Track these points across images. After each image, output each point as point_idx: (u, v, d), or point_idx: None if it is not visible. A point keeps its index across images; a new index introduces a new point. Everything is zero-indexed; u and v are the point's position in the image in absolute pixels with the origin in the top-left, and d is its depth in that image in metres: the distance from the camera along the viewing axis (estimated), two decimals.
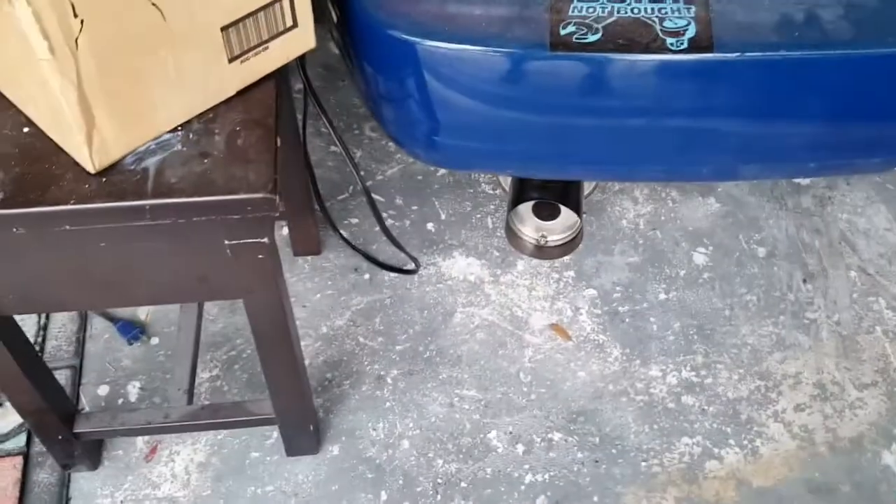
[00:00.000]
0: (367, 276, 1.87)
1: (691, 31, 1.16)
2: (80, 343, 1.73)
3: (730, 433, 1.65)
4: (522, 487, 1.58)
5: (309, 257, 1.88)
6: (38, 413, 1.39)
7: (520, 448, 1.63)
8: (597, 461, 1.61)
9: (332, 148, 2.06)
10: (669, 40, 1.15)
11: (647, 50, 1.15)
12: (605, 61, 1.17)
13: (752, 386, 1.71)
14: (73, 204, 0.96)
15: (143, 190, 0.98)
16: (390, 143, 2.08)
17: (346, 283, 1.85)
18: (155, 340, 1.74)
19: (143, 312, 1.78)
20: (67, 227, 0.99)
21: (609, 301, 1.83)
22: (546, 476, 1.59)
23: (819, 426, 1.67)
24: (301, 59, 1.41)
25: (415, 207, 1.98)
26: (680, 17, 1.16)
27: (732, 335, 1.78)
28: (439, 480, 1.59)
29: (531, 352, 1.76)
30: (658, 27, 1.16)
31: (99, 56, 0.90)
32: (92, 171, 0.99)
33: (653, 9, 1.17)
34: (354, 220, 1.96)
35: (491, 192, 2.01)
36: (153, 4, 0.91)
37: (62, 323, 1.75)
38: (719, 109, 1.23)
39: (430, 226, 1.95)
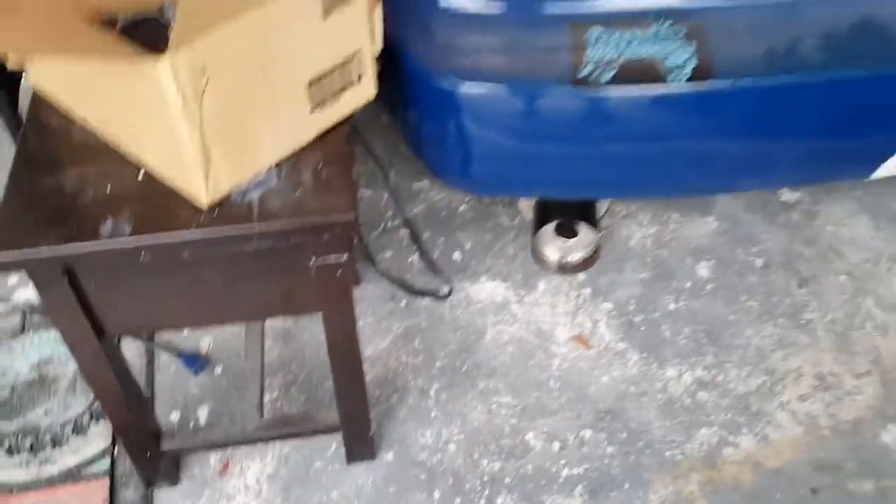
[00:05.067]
0: (403, 303, 2.06)
1: (692, 64, 1.37)
2: (150, 375, 1.90)
3: (742, 423, 1.83)
4: (561, 480, 1.75)
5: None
6: (132, 430, 1.56)
7: (555, 446, 1.81)
8: (626, 453, 1.79)
9: (363, 191, 2.27)
10: (673, 74, 1.37)
11: (654, 83, 1.37)
12: (620, 95, 1.38)
13: (759, 381, 1.90)
14: (195, 229, 1.15)
15: (250, 217, 1.17)
16: (414, 184, 2.30)
17: (384, 310, 2.04)
18: (218, 370, 1.92)
19: (204, 345, 1.96)
20: (186, 254, 1.18)
21: (624, 312, 2.03)
22: (581, 469, 1.77)
23: (822, 412, 1.85)
24: None
25: (441, 240, 2.18)
26: (683, 53, 1.38)
27: (738, 337, 1.98)
28: (485, 478, 1.76)
29: (558, 361, 1.94)
30: (663, 64, 1.38)
31: (218, 107, 1.10)
32: (205, 205, 1.18)
33: (658, 49, 1.39)
34: (388, 254, 2.15)
35: (509, 223, 2.21)
36: (261, 68, 1.12)
37: (131, 358, 1.92)
38: (721, 131, 1.45)
39: (456, 255, 2.15)
